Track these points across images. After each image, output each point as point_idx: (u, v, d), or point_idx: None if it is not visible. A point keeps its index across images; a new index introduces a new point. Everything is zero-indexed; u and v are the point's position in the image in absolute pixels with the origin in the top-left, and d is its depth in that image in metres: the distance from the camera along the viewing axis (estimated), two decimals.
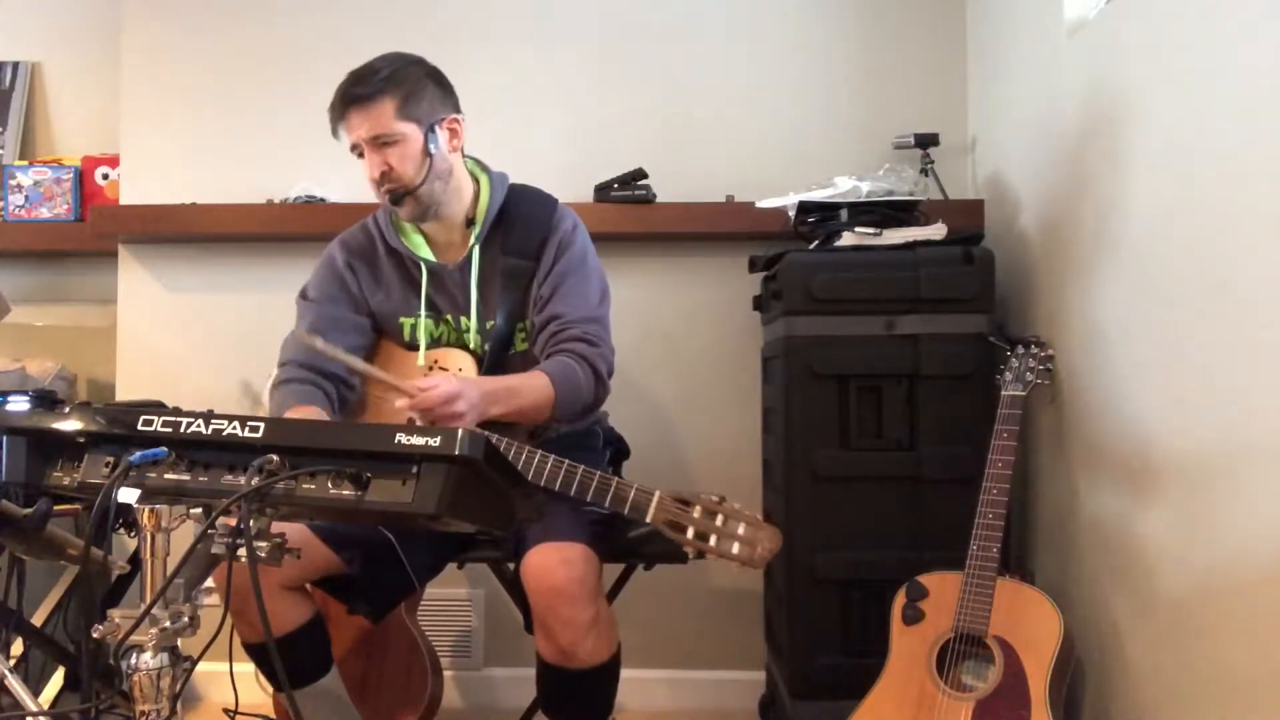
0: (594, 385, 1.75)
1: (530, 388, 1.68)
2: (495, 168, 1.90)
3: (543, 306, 1.79)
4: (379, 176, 1.72)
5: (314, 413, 1.72)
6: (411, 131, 1.70)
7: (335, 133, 1.74)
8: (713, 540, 1.39)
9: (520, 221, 1.82)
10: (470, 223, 1.82)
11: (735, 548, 1.38)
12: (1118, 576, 1.73)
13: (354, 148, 1.73)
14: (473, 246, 1.80)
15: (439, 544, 1.84)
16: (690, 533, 1.41)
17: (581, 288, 1.79)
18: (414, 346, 1.86)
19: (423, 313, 1.82)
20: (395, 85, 1.69)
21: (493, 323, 1.81)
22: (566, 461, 1.56)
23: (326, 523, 1.66)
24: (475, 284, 1.80)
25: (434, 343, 1.85)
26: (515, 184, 1.89)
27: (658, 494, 1.46)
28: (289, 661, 1.66)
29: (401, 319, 1.85)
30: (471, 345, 1.83)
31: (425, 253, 1.83)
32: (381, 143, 1.70)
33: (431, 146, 1.72)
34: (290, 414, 1.73)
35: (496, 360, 1.81)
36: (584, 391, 1.73)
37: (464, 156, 1.84)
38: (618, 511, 1.51)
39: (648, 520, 1.45)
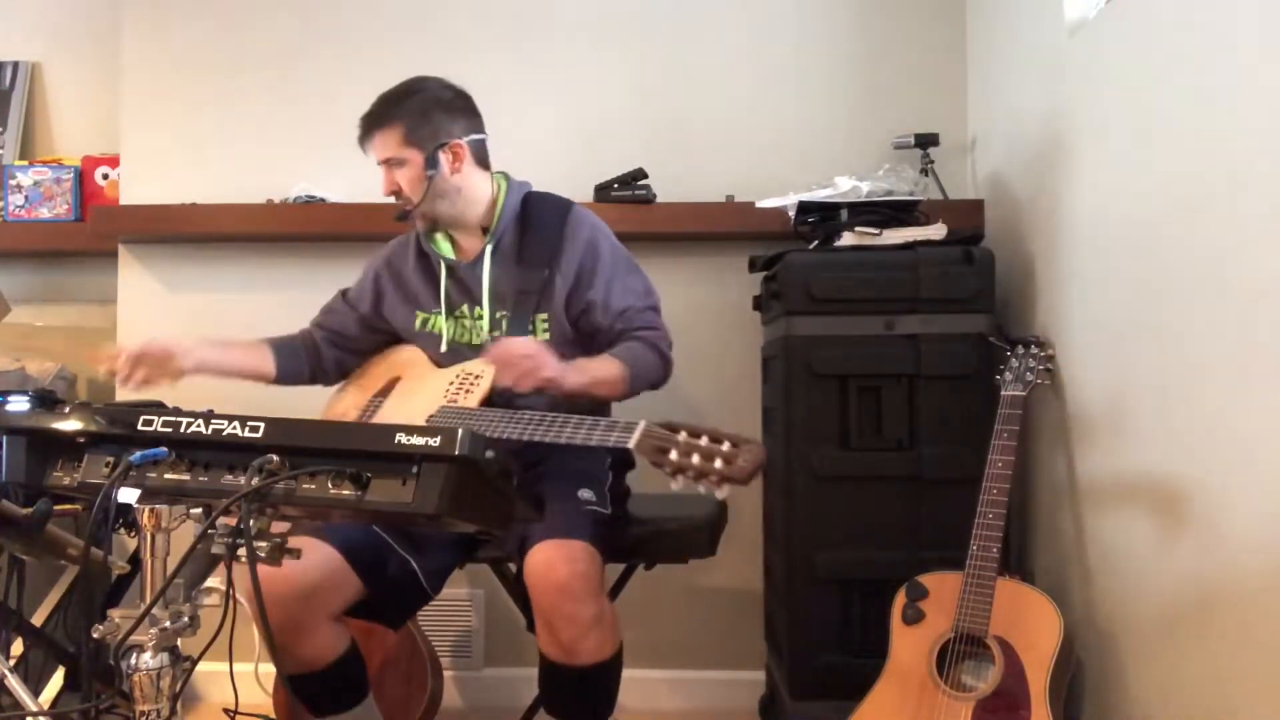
0: (660, 364, 1.88)
1: (598, 364, 1.79)
2: (498, 168, 1.98)
3: (605, 310, 1.88)
4: (391, 194, 1.88)
5: (250, 350, 1.94)
6: (413, 156, 1.84)
7: (364, 150, 1.90)
8: (695, 459, 1.39)
9: (535, 223, 1.94)
10: (487, 229, 1.94)
11: (718, 463, 1.38)
12: (1117, 577, 1.73)
13: (379, 163, 1.90)
14: (486, 245, 1.91)
15: (447, 548, 1.85)
16: (673, 454, 1.41)
17: (628, 283, 1.91)
18: (429, 340, 1.94)
19: (441, 308, 1.93)
20: (403, 114, 1.84)
21: (504, 314, 1.88)
22: (548, 415, 1.59)
23: (348, 545, 1.68)
24: (487, 277, 1.89)
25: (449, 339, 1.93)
26: (533, 191, 1.99)
27: (644, 421, 1.47)
28: (330, 690, 1.73)
29: (418, 312, 1.96)
30: (485, 333, 1.88)
31: (447, 252, 1.95)
32: (391, 164, 1.86)
33: (430, 170, 1.84)
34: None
35: None
36: (654, 369, 1.86)
37: (490, 171, 1.95)
38: (603, 444, 1.51)
39: (631, 445, 1.45)
